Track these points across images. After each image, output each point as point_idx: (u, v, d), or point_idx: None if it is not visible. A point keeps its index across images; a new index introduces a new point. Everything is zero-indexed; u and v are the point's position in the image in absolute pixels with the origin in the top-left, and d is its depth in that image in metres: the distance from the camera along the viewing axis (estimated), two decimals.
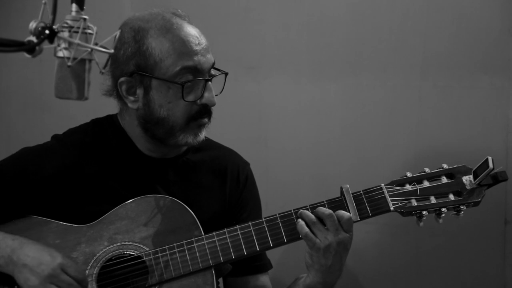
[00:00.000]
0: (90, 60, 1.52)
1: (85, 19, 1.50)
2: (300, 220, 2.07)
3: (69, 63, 1.49)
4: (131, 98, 2.13)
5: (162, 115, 2.11)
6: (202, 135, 2.15)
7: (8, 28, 3.07)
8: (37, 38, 1.44)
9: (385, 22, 3.10)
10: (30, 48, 1.43)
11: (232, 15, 3.19)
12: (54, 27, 1.45)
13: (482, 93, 3.09)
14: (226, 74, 2.18)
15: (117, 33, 1.57)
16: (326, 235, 2.03)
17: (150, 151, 2.20)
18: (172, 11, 2.16)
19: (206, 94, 2.11)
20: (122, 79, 2.11)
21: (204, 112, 2.13)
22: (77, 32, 1.49)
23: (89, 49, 1.50)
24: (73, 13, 1.51)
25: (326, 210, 2.04)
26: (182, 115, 2.11)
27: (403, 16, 3.09)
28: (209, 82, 2.12)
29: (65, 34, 1.48)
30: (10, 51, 1.43)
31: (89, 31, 1.51)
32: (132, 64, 2.09)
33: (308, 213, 2.07)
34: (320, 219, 2.06)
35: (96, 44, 1.51)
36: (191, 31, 2.12)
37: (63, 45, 1.48)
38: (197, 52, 2.09)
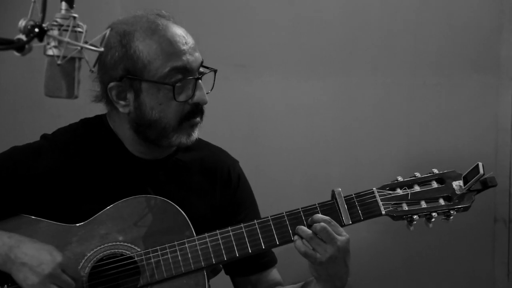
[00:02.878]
0: (80, 59, 1.51)
1: (74, 17, 1.50)
2: (296, 237, 2.07)
3: (59, 62, 1.48)
4: (122, 102, 2.12)
5: (154, 117, 2.10)
6: (195, 134, 2.14)
7: None
8: (26, 36, 1.43)
9: (375, 21, 3.11)
10: (20, 47, 1.42)
11: (223, 13, 3.18)
12: (43, 25, 1.44)
13: (472, 91, 3.10)
14: (215, 71, 2.17)
15: (107, 31, 1.56)
16: (325, 248, 2.02)
17: (140, 153, 2.19)
18: (156, 12, 2.14)
19: (197, 93, 2.10)
20: (111, 84, 2.10)
21: (196, 111, 2.12)
22: (66, 30, 1.48)
23: (79, 48, 1.49)
24: (63, 12, 1.50)
25: (317, 225, 2.03)
26: (174, 116, 2.10)
27: (393, 15, 3.10)
28: (199, 81, 2.11)
29: (55, 32, 1.47)
30: None
31: (79, 29, 1.50)
32: (121, 68, 2.08)
33: (305, 228, 2.06)
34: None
35: (86, 42, 1.51)
36: (177, 31, 2.11)
37: (52, 43, 1.48)
38: (185, 51, 2.09)
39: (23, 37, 1.42)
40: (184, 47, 2.09)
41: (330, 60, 3.16)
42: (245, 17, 3.18)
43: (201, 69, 2.14)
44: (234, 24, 3.18)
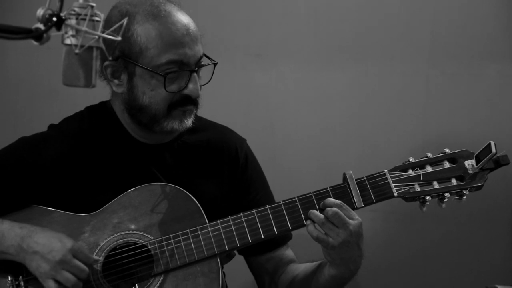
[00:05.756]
0: (97, 48, 1.51)
1: (92, 6, 1.49)
2: (309, 222, 2.06)
3: (77, 51, 1.48)
4: (116, 81, 2.11)
5: (145, 103, 2.09)
6: (188, 121, 2.12)
7: (16, 16, 3.04)
8: (44, 25, 1.43)
9: (392, 10, 3.10)
10: (38, 36, 1.42)
11: (239, 3, 3.17)
12: (61, 14, 1.44)
13: (490, 81, 3.10)
14: (215, 64, 2.14)
15: (125, 20, 1.56)
16: (337, 233, 2.02)
17: (143, 138, 2.19)
18: None
19: (190, 86, 2.08)
20: (107, 62, 2.08)
21: (186, 101, 2.10)
22: (84, 19, 1.47)
23: (97, 37, 1.48)
24: (81, 0, 1.49)
25: (329, 210, 2.03)
26: (164, 103, 2.08)
27: (410, 3, 3.09)
28: (194, 74, 2.08)
29: (73, 21, 1.47)
30: (17, 39, 1.42)
31: (97, 18, 1.50)
32: (117, 48, 2.06)
33: (317, 213, 2.05)
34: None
35: (103, 31, 1.50)
36: (180, 20, 2.07)
37: (70, 32, 1.47)
38: (184, 44, 2.05)
39: (41, 26, 1.42)
40: (184, 39, 2.05)
41: (346, 49, 3.15)
42: (261, 6, 3.17)
43: (202, 61, 2.11)
44: (249, 13, 3.17)
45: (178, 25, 2.06)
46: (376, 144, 3.16)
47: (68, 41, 1.48)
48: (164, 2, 2.10)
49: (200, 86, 2.12)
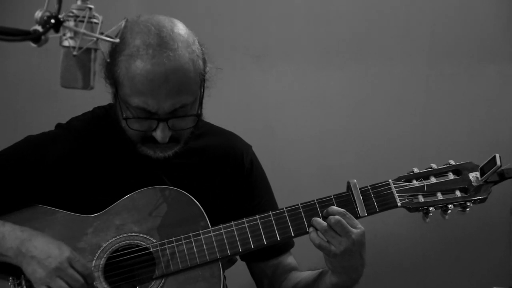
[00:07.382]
0: (95, 50, 1.51)
1: (90, 8, 1.50)
2: (311, 229, 2.05)
3: (75, 53, 1.48)
4: (112, 89, 2.10)
5: (123, 125, 2.09)
6: (163, 154, 2.09)
7: (14, 18, 3.07)
8: (42, 27, 1.43)
9: (391, 10, 3.10)
10: (36, 38, 1.43)
11: (238, 4, 3.17)
12: (59, 16, 1.44)
13: (489, 81, 3.09)
14: (198, 115, 2.09)
15: (123, 22, 1.56)
16: (340, 241, 2.01)
17: None
18: (161, 36, 2.00)
19: (157, 132, 2.04)
20: (104, 69, 2.07)
21: (156, 141, 2.07)
22: (82, 21, 1.48)
23: (95, 39, 1.49)
24: (79, 2, 1.50)
25: (332, 218, 2.02)
26: (136, 135, 2.08)
27: (410, 4, 3.08)
28: (165, 123, 2.03)
29: (71, 23, 1.48)
30: (16, 41, 1.43)
31: (95, 20, 1.51)
32: (108, 64, 2.04)
33: (320, 221, 2.05)
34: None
35: (101, 33, 1.51)
36: (161, 69, 1.98)
37: (68, 34, 1.48)
38: (155, 95, 1.99)
39: (39, 28, 1.43)
40: (158, 91, 1.99)
41: (345, 50, 3.15)
42: (260, 8, 3.18)
43: (188, 109, 2.04)
44: (249, 15, 3.18)
45: (156, 74, 1.98)
46: (376, 145, 3.15)
47: (66, 43, 1.49)
48: (166, 38, 2.00)
49: (181, 130, 2.07)
